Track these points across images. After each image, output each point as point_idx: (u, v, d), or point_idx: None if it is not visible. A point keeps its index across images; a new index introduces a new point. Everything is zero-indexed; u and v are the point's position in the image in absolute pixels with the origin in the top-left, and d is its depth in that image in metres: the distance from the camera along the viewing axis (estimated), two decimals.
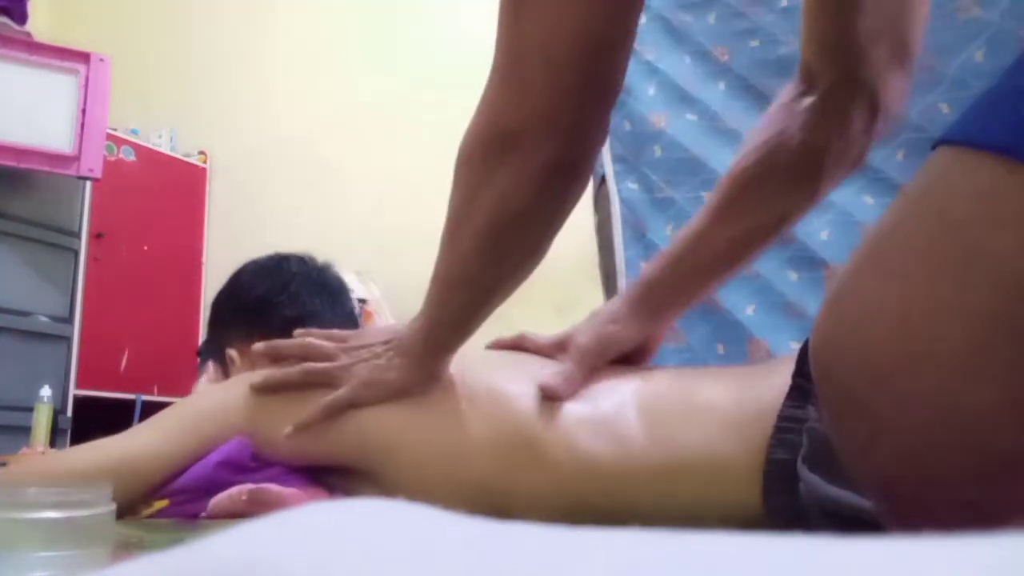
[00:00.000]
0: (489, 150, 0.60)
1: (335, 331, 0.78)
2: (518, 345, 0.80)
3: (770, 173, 0.73)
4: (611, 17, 0.56)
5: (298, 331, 0.79)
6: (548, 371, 0.70)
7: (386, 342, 0.74)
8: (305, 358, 0.75)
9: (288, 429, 0.71)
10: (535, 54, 0.56)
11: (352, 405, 0.71)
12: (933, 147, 0.42)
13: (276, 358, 0.77)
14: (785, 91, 0.77)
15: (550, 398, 0.67)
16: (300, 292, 0.99)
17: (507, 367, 0.75)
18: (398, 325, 0.76)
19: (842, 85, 0.71)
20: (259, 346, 0.78)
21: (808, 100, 0.73)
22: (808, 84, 0.74)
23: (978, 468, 0.38)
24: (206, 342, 1.08)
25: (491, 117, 0.60)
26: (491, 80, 0.59)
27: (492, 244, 0.64)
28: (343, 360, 0.74)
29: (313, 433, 0.71)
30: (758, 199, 0.74)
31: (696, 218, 0.77)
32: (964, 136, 0.41)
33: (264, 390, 0.74)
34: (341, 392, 0.71)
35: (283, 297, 0.97)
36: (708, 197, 0.77)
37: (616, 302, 0.78)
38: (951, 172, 0.41)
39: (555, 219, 0.64)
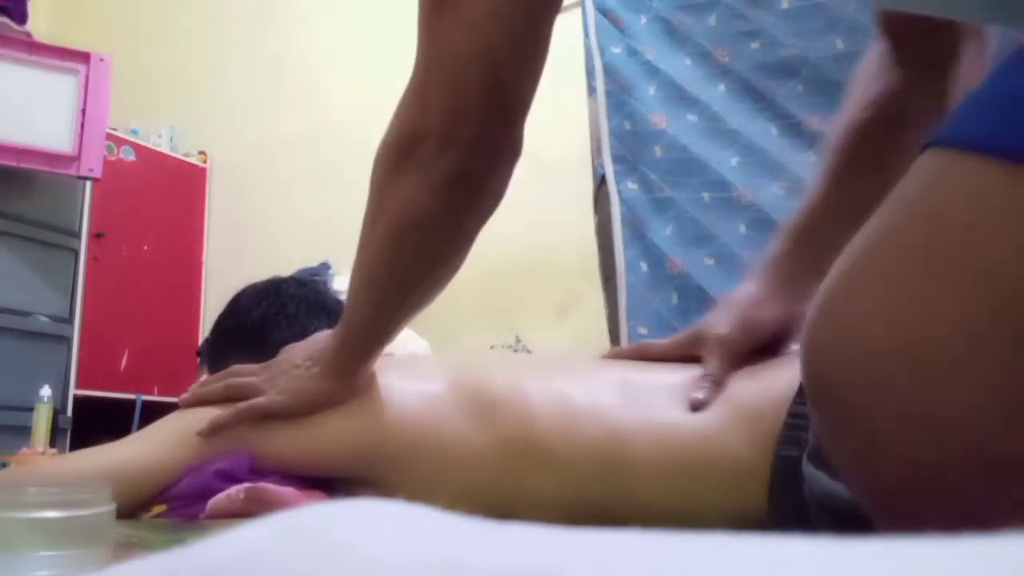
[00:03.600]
0: (395, 155, 0.62)
1: (264, 362, 0.79)
2: (641, 352, 0.76)
3: (886, 125, 0.70)
4: (514, 44, 0.57)
5: (231, 367, 0.80)
6: (682, 376, 0.66)
7: (309, 356, 0.74)
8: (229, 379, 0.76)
9: (202, 427, 0.71)
10: (439, 71, 0.58)
11: (269, 413, 0.71)
12: (923, 148, 0.42)
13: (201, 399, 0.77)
14: (873, 52, 0.74)
15: (699, 410, 0.63)
16: (298, 314, 0.99)
17: (499, 372, 0.75)
18: (322, 336, 0.76)
19: (933, 32, 0.68)
20: (187, 396, 0.78)
21: (900, 60, 0.70)
22: (898, 47, 0.71)
23: (974, 473, 0.38)
24: (205, 345, 1.09)
25: (398, 123, 0.62)
26: (405, 88, 0.61)
27: (395, 249, 0.64)
28: (263, 375, 0.74)
29: (318, 440, 0.71)
30: (887, 148, 0.69)
31: (817, 186, 0.73)
32: (955, 138, 0.41)
33: (188, 403, 0.75)
34: (258, 399, 0.72)
35: (281, 319, 0.97)
36: (823, 162, 0.73)
37: (750, 286, 0.73)
38: (944, 175, 0.40)
39: (460, 230, 0.64)
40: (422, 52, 0.59)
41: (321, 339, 0.75)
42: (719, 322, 0.70)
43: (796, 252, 0.72)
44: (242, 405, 0.72)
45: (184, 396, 0.76)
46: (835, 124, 0.74)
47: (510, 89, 0.59)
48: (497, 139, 0.60)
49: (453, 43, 0.56)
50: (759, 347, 0.69)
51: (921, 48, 0.68)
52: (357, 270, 0.68)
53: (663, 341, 0.74)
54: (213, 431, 0.71)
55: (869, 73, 0.73)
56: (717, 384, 0.65)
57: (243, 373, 0.76)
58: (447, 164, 0.59)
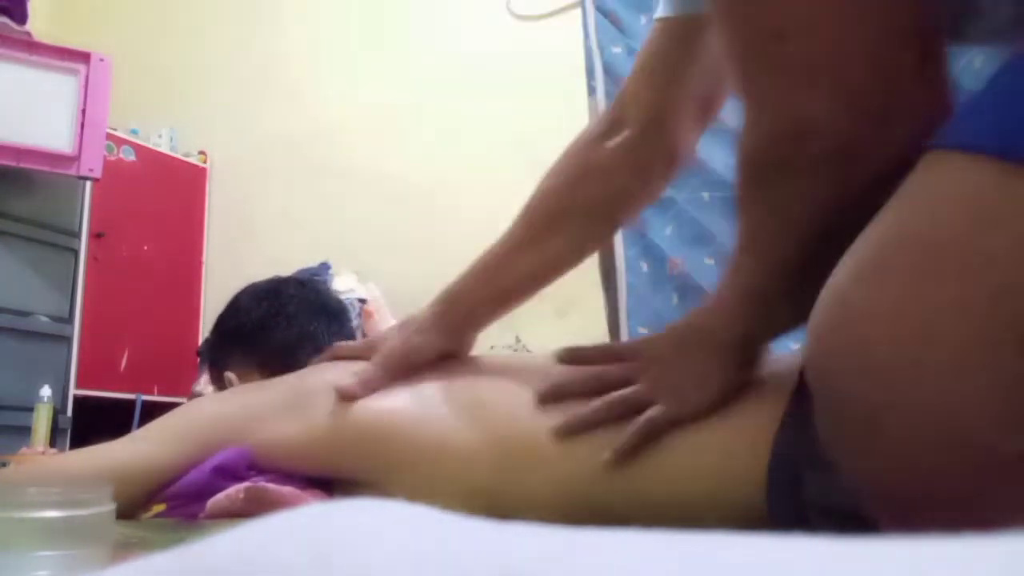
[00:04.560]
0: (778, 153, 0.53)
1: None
2: (336, 356, 0.83)
3: (571, 208, 0.78)
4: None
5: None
6: (348, 372, 0.73)
7: (697, 346, 0.64)
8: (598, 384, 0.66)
9: (606, 456, 0.61)
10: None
11: (674, 424, 0.61)
12: (924, 151, 0.43)
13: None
14: (589, 127, 0.81)
15: (345, 399, 0.71)
16: (298, 315, 0.99)
17: (498, 372, 0.75)
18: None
19: (651, 133, 0.76)
20: (566, 426, 0.65)
21: (615, 142, 0.77)
22: (616, 125, 0.78)
23: (975, 470, 0.38)
24: (206, 345, 1.09)
25: (780, 118, 0.53)
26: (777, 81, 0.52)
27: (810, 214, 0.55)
28: (645, 384, 0.63)
29: (315, 438, 0.71)
30: (564, 232, 0.79)
31: (500, 241, 0.81)
32: (954, 141, 0.41)
33: (573, 431, 0.64)
34: (658, 414, 0.61)
35: (281, 319, 0.97)
36: (516, 220, 0.81)
37: (424, 312, 0.81)
38: (944, 176, 0.41)
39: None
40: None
41: (694, 322, 0.65)
42: (391, 339, 0.78)
43: (468, 296, 0.80)
44: (643, 426, 0.60)
45: (567, 424, 0.64)
46: (534, 194, 0.82)
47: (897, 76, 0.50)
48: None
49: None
50: (417, 368, 0.76)
51: (667, 115, 0.75)
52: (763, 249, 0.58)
53: (352, 346, 0.83)
54: (621, 459, 0.61)
55: (574, 152, 0.81)
56: (366, 386, 0.72)
57: (636, 387, 0.63)
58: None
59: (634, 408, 0.62)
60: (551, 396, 0.66)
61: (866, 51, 0.47)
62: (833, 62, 0.48)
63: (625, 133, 0.77)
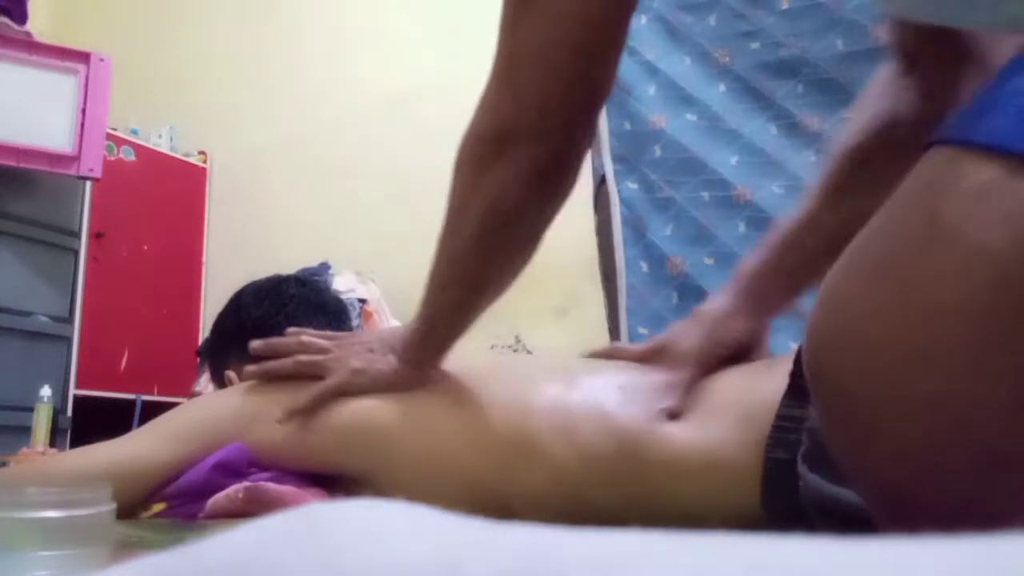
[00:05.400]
0: (484, 150, 0.62)
1: (330, 332, 0.79)
2: (611, 355, 0.78)
3: (886, 150, 0.70)
4: (602, 29, 0.58)
5: (291, 329, 0.80)
6: (646, 379, 0.68)
7: (381, 339, 0.75)
8: (298, 352, 0.76)
9: (280, 416, 0.71)
10: (530, 61, 0.58)
11: (341, 392, 0.72)
12: (925, 148, 0.42)
13: (272, 355, 0.78)
14: (883, 71, 0.74)
15: (673, 418, 0.65)
16: (298, 314, 0.99)
17: (498, 372, 0.75)
18: (396, 327, 0.77)
19: (946, 56, 0.68)
20: (257, 344, 0.78)
21: (913, 77, 0.70)
22: (909, 63, 0.71)
23: (974, 468, 0.38)
24: (206, 344, 1.09)
25: (487, 118, 0.62)
26: (489, 83, 0.61)
27: (483, 242, 0.65)
28: (335, 353, 0.75)
29: (312, 435, 0.71)
30: (873, 177, 0.70)
31: (803, 203, 0.74)
32: (957, 136, 0.41)
33: (256, 375, 0.75)
34: (330, 379, 0.72)
35: (281, 318, 0.97)
36: (812, 183, 0.74)
37: (721, 297, 0.75)
38: (945, 171, 0.41)
39: (543, 219, 0.65)
40: (508, 45, 0.59)
41: (394, 331, 0.77)
42: (686, 334, 0.73)
43: (773, 268, 0.74)
44: (318, 388, 0.72)
45: (250, 369, 0.75)
46: (834, 146, 0.75)
47: (596, 79, 0.60)
48: (583, 127, 0.62)
49: (542, 37, 0.57)
50: (725, 360, 0.71)
51: (953, 31, 0.67)
52: (441, 267, 0.68)
53: (634, 346, 0.77)
54: (292, 417, 0.72)
55: (871, 96, 0.74)
56: (686, 392, 0.66)
57: (313, 347, 0.76)
58: (538, 154, 0.60)
59: (315, 370, 0.73)
60: (259, 374, 0.75)
61: (563, 67, 0.57)
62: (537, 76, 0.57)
63: (921, 64, 0.70)
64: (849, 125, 0.74)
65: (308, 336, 0.78)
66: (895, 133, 0.70)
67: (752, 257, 0.76)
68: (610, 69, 0.60)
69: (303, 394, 0.72)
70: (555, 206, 0.64)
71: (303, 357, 0.75)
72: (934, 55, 0.69)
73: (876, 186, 0.67)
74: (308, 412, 0.72)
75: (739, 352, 0.72)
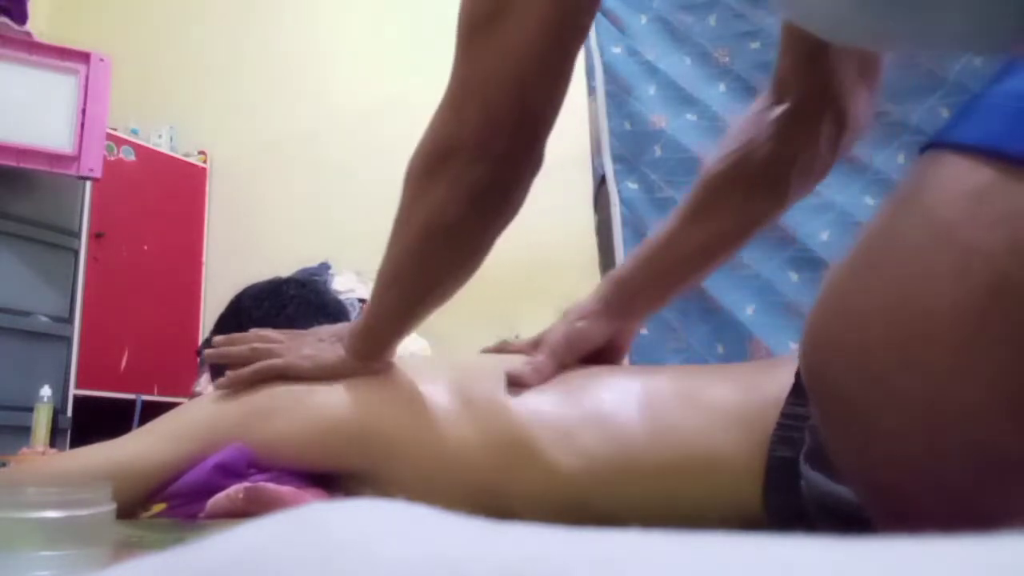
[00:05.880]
0: (428, 164, 0.65)
1: (289, 331, 0.82)
2: (502, 350, 0.83)
3: (739, 181, 0.77)
4: (545, 65, 0.61)
5: (253, 330, 0.82)
6: (519, 362, 0.73)
7: (332, 332, 0.79)
8: (254, 341, 0.80)
9: (220, 381, 0.75)
10: (474, 91, 0.62)
11: (285, 372, 0.75)
12: (922, 150, 0.43)
13: (229, 348, 0.81)
14: (756, 101, 0.80)
15: (516, 385, 0.71)
16: (298, 315, 1.00)
17: (499, 371, 0.75)
18: (349, 324, 0.81)
19: (812, 99, 0.75)
20: (218, 338, 0.81)
21: (778, 112, 0.76)
22: (779, 96, 0.77)
23: (972, 470, 0.38)
24: (206, 344, 1.09)
25: (434, 135, 0.65)
26: (441, 102, 0.64)
27: (421, 253, 0.69)
28: (287, 343, 0.79)
29: (314, 436, 0.71)
30: (727, 206, 0.78)
31: (668, 221, 0.80)
32: (953, 139, 0.41)
33: (224, 385, 0.77)
34: (277, 359, 0.76)
35: (281, 320, 0.97)
36: (681, 200, 0.81)
37: (588, 300, 0.81)
38: (941, 174, 0.41)
39: (484, 237, 0.68)
40: (458, 71, 0.63)
41: (345, 325, 0.80)
42: (554, 329, 0.78)
43: (636, 278, 0.80)
44: (261, 364, 0.75)
45: (220, 381, 0.78)
46: (703, 170, 0.81)
47: (537, 112, 0.63)
48: (523, 154, 0.64)
49: (487, 68, 0.61)
50: (583, 355, 0.77)
51: (826, 77, 0.73)
52: (384, 267, 0.72)
53: (519, 342, 0.83)
54: (232, 384, 0.75)
55: (736, 127, 0.80)
56: (537, 372, 0.72)
57: (268, 338, 0.80)
58: (477, 175, 0.63)
59: (268, 355, 0.77)
60: (226, 384, 0.77)
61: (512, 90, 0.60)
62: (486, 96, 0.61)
63: (787, 104, 0.76)
64: (714, 153, 0.80)
65: (264, 330, 0.81)
66: (748, 167, 0.76)
67: (620, 267, 0.82)
68: (553, 103, 0.63)
69: (247, 367, 0.75)
70: (496, 226, 0.67)
71: (258, 344, 0.78)
72: (804, 95, 0.75)
73: (727, 213, 0.78)
74: (247, 384, 0.75)
75: (600, 349, 0.79)
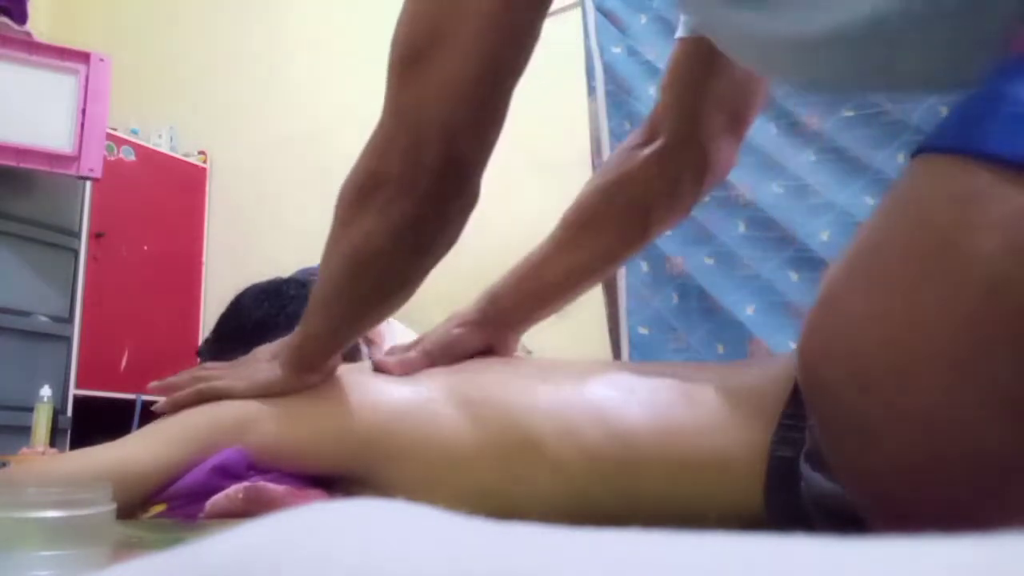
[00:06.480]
0: (358, 193, 0.66)
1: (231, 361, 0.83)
2: (389, 353, 0.85)
3: (606, 214, 0.82)
4: (472, 116, 0.61)
5: (198, 365, 0.83)
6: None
7: (271, 350, 0.79)
8: (196, 381, 0.79)
9: (158, 405, 0.75)
10: (403, 126, 0.62)
11: (222, 393, 0.75)
12: (914, 154, 0.42)
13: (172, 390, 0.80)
14: (632, 135, 0.85)
15: (378, 369, 0.75)
16: (299, 315, 1.00)
17: (499, 371, 0.75)
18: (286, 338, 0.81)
19: (681, 144, 0.80)
20: (153, 385, 0.80)
21: (648, 151, 0.81)
22: (651, 135, 0.82)
23: (969, 475, 0.38)
24: (206, 345, 1.09)
25: (365, 164, 0.65)
26: (375, 128, 0.64)
27: (349, 279, 0.69)
28: (229, 372, 0.79)
29: (314, 439, 0.72)
30: (593, 237, 0.83)
31: (542, 243, 0.84)
32: (945, 143, 0.41)
33: (163, 408, 0.77)
34: (217, 381, 0.76)
35: (281, 319, 0.97)
36: (558, 222, 0.85)
37: (469, 308, 0.84)
38: (934, 179, 0.41)
39: (412, 269, 0.68)
40: (389, 104, 0.63)
41: (283, 341, 0.80)
42: (435, 331, 0.82)
43: (509, 295, 0.83)
44: (200, 385, 0.76)
45: (158, 405, 0.77)
46: (576, 198, 0.86)
47: (467, 154, 0.63)
48: (451, 193, 0.64)
49: (419, 103, 0.61)
50: (458, 360, 0.80)
51: (696, 124, 0.79)
52: (317, 286, 0.72)
53: (403, 344, 0.85)
54: (170, 407, 0.75)
55: (611, 161, 0.85)
56: (403, 365, 0.76)
57: (207, 368, 0.81)
58: (403, 210, 0.63)
59: (206, 378, 0.77)
60: (165, 407, 0.76)
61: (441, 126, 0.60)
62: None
63: (659, 143, 0.81)
64: (587, 184, 0.86)
65: (207, 365, 0.82)
66: (617, 200, 0.82)
67: (499, 281, 0.85)
68: (484, 144, 0.63)
69: (186, 391, 0.75)
70: (424, 260, 0.67)
71: (202, 385, 0.77)
72: (674, 137, 0.80)
73: (594, 243, 0.83)
74: (186, 405, 0.75)
75: (481, 353, 0.82)
